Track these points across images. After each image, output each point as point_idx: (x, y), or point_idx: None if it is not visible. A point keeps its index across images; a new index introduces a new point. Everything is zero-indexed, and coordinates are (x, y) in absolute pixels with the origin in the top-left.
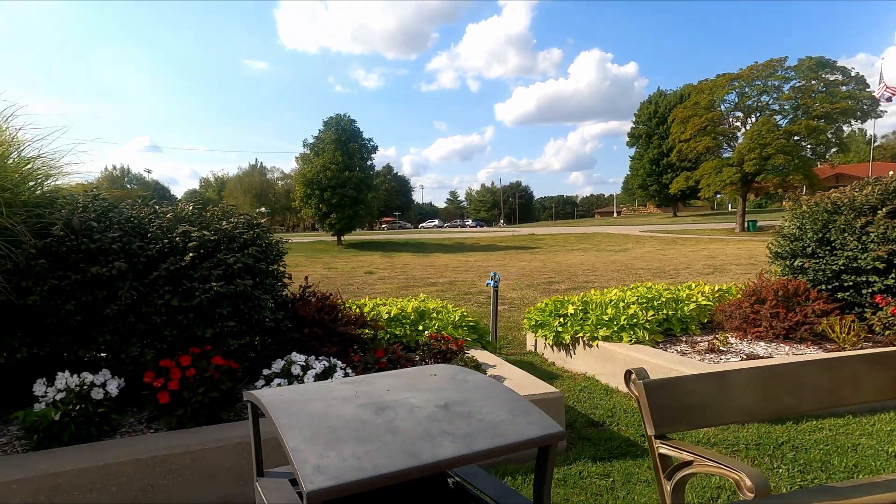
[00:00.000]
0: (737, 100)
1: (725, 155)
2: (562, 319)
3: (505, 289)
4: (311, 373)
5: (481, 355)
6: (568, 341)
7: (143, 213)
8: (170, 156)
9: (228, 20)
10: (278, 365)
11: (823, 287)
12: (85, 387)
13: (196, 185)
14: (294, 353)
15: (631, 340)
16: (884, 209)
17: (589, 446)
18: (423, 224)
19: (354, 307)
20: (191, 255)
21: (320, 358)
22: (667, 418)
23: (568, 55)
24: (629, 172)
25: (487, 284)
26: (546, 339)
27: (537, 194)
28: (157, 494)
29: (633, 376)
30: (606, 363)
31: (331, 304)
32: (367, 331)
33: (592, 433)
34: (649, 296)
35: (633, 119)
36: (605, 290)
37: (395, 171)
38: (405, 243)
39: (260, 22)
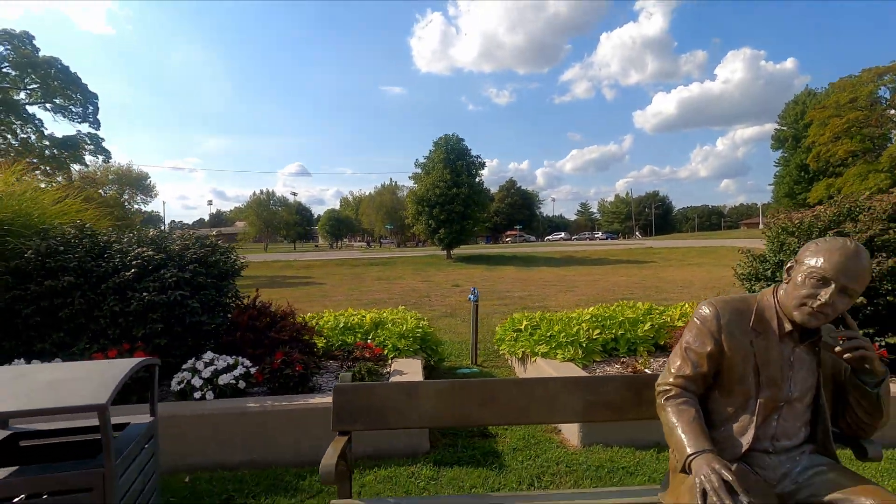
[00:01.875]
0: (888, 96)
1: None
2: (514, 334)
3: (569, 303)
4: (209, 368)
5: (404, 363)
6: (520, 356)
7: (111, 238)
8: (318, 179)
9: (367, 52)
10: (191, 363)
11: None
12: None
13: (337, 205)
14: (208, 353)
15: (564, 358)
16: (831, 232)
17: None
18: (550, 237)
19: (308, 318)
20: (133, 271)
21: (223, 357)
22: (348, 418)
23: (714, 56)
24: (774, 179)
25: (469, 300)
26: (509, 353)
27: (683, 203)
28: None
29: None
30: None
31: (270, 314)
32: (311, 338)
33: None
34: (607, 314)
35: (778, 121)
36: (630, 304)
37: (517, 185)
38: (513, 257)
39: (396, 50)
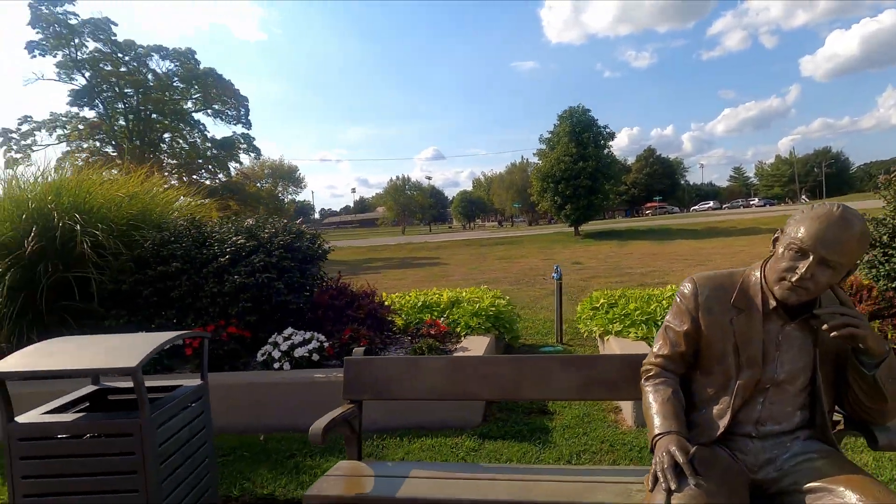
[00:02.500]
0: None
1: None
2: (592, 312)
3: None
4: (287, 342)
5: (474, 340)
6: (598, 333)
7: (213, 228)
8: (452, 162)
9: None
10: (273, 337)
11: (888, 285)
12: None
13: (470, 186)
14: (288, 328)
15: (636, 337)
16: None
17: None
18: (696, 207)
19: (392, 297)
20: (227, 257)
21: (300, 332)
22: (358, 388)
23: None
24: None
25: (553, 278)
26: (591, 331)
27: (865, 158)
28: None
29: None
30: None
31: (348, 293)
32: (389, 316)
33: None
34: None
35: None
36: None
37: (657, 154)
38: (648, 230)
39: (526, 24)
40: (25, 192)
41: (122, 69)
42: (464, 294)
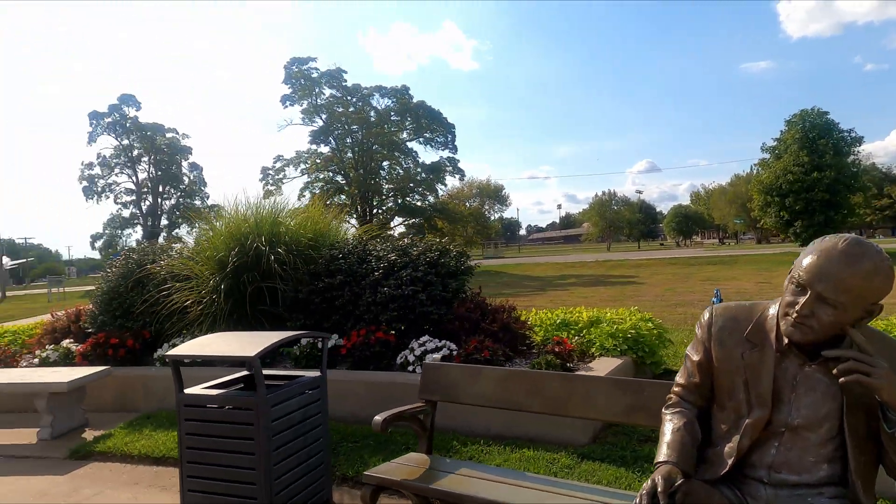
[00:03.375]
0: None
1: None
2: None
3: None
4: (421, 349)
5: (605, 361)
6: None
7: (372, 247)
8: (669, 175)
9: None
10: (412, 343)
11: None
12: (318, 342)
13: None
14: (425, 336)
15: None
16: None
17: None
18: None
19: (532, 313)
20: (380, 272)
21: (434, 340)
22: (431, 389)
23: None
24: None
25: (712, 302)
26: None
27: None
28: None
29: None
30: None
31: (483, 307)
32: (524, 330)
33: None
34: None
35: None
36: None
37: None
38: None
39: (758, 20)
40: (234, 221)
41: (351, 109)
42: (607, 314)
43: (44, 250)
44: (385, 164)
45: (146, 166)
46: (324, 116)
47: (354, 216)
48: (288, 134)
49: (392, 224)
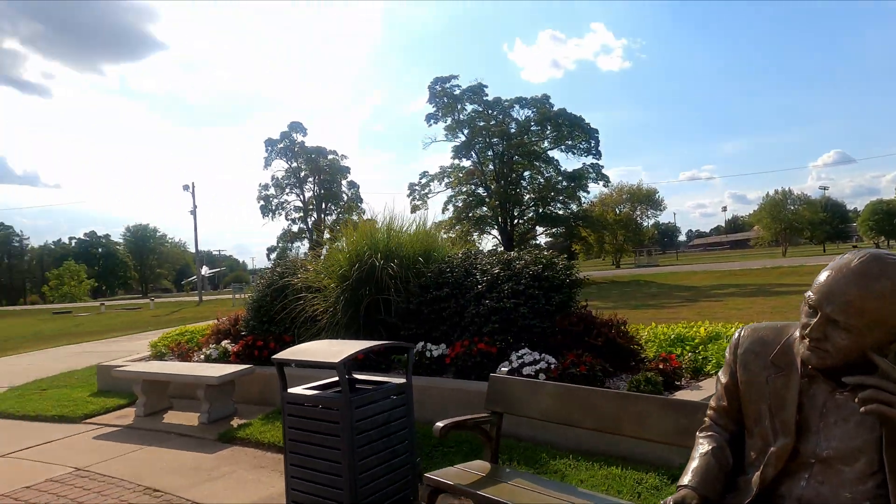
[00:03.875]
0: None
1: None
2: None
3: None
4: (518, 360)
5: (713, 381)
6: None
7: (478, 261)
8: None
9: None
10: (512, 355)
11: None
12: (427, 351)
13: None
14: (524, 349)
15: None
16: None
17: None
18: None
19: (640, 327)
20: (483, 285)
21: (532, 353)
22: (495, 401)
23: None
24: None
25: None
26: None
27: None
28: (442, 405)
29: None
30: None
31: (587, 321)
32: (631, 345)
33: None
34: None
35: None
36: None
37: None
38: None
39: None
40: (356, 238)
41: (492, 123)
42: (731, 329)
43: (233, 261)
44: (526, 174)
45: (311, 186)
46: (466, 131)
47: (495, 227)
48: (433, 150)
49: (536, 233)
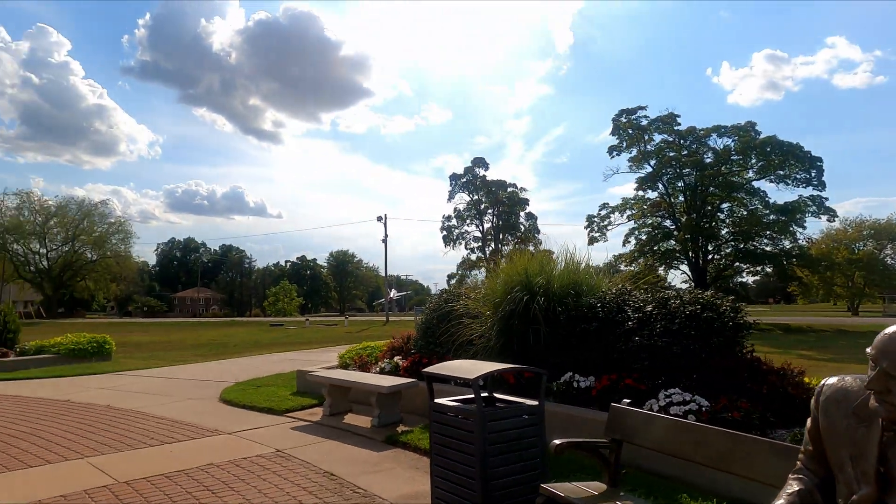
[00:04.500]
0: None
1: None
2: None
3: None
4: (667, 399)
5: None
6: None
7: (630, 297)
8: None
9: None
10: (661, 393)
11: None
12: (574, 381)
13: None
14: (675, 389)
15: None
16: None
17: None
18: None
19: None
20: (633, 322)
21: (683, 394)
22: (614, 429)
23: None
24: None
25: None
26: None
27: None
28: (577, 432)
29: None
30: None
31: (748, 366)
32: (798, 393)
33: None
34: None
35: None
36: None
37: None
38: None
39: None
40: (508, 272)
41: (684, 153)
42: None
43: (419, 285)
44: (725, 206)
45: (491, 217)
46: (652, 162)
47: (685, 262)
48: (614, 182)
49: (737, 271)
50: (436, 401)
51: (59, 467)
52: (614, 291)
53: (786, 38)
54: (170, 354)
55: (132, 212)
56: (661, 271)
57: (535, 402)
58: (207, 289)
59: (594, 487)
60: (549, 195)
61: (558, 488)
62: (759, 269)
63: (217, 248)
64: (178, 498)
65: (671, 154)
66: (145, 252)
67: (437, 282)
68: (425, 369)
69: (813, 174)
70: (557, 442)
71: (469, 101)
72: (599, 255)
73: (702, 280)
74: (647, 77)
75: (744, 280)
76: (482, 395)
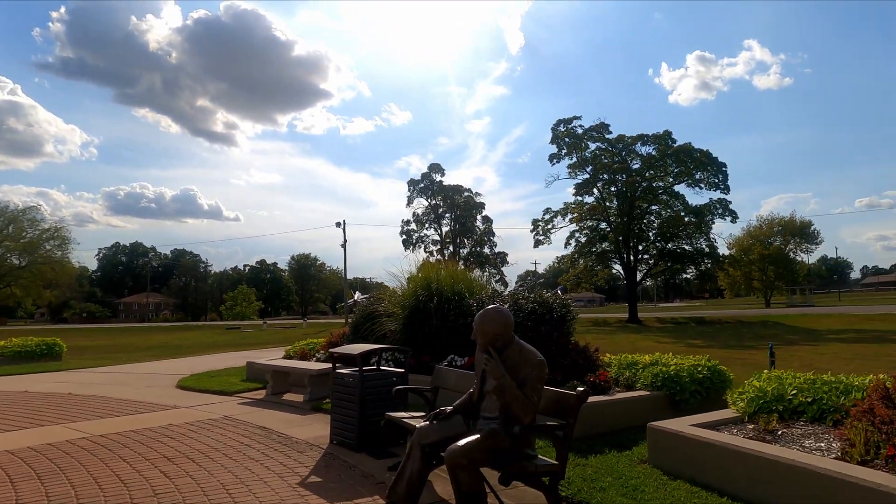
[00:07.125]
0: None
1: None
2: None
3: None
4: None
5: (631, 392)
6: None
7: (501, 298)
8: None
9: None
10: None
11: None
12: (454, 361)
13: None
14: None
15: None
16: None
17: None
18: None
19: (607, 356)
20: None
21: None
22: (435, 381)
23: None
24: None
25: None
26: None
27: None
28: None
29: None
30: None
31: (567, 348)
32: (595, 365)
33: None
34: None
35: None
36: None
37: None
38: None
39: None
40: (415, 280)
41: (615, 160)
42: (670, 359)
43: (385, 287)
44: (654, 209)
45: (448, 221)
46: (588, 169)
47: (618, 262)
48: (555, 188)
49: (665, 268)
50: (337, 370)
51: (39, 430)
52: (488, 294)
53: (711, 39)
54: (121, 356)
55: (64, 214)
56: (597, 271)
57: (402, 371)
58: (158, 293)
59: (418, 415)
60: (511, 195)
61: (395, 415)
62: (677, 266)
63: (168, 253)
64: (146, 442)
65: (605, 160)
66: (85, 257)
67: (402, 283)
68: (331, 349)
69: (720, 179)
70: (397, 388)
71: (429, 101)
72: (546, 254)
73: (632, 279)
74: (596, 78)
75: (688, 276)
76: (371, 368)
